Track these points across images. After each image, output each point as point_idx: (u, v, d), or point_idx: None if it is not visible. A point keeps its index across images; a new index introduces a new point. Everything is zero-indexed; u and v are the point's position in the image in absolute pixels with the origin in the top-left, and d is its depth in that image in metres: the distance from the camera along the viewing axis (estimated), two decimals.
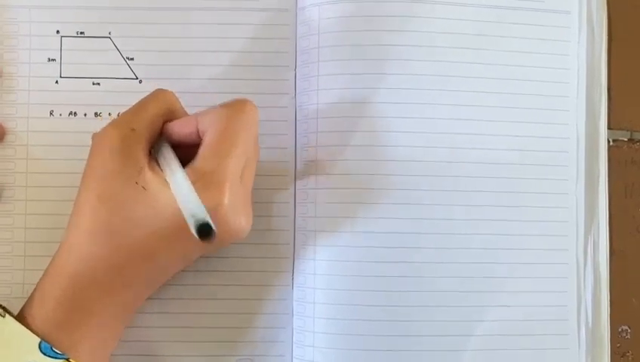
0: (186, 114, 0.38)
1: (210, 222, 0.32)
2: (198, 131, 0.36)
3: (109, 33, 0.42)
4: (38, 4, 0.42)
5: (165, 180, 0.34)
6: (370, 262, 0.40)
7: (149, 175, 0.34)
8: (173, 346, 0.41)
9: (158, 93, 0.37)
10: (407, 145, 0.41)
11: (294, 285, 0.41)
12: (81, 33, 0.42)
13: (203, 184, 0.34)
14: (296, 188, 0.42)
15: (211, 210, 0.33)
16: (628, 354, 0.43)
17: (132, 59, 0.42)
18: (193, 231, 0.32)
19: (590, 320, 0.42)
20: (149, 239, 0.34)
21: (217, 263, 0.41)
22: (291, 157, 0.42)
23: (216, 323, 0.41)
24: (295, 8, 0.42)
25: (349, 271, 0.40)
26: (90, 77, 0.42)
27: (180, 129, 0.36)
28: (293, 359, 0.41)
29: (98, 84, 0.42)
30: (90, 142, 0.35)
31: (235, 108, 0.36)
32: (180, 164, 0.35)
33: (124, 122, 0.35)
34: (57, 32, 0.42)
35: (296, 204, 0.42)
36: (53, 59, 0.42)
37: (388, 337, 0.40)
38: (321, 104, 0.41)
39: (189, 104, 0.41)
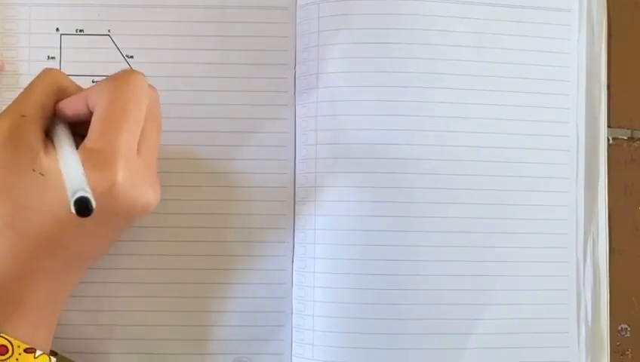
0: (78, 90, 0.37)
1: (90, 196, 0.29)
2: (88, 108, 0.35)
3: (109, 31, 0.42)
4: (37, 2, 0.42)
5: None
6: (369, 260, 0.40)
7: (45, 160, 0.33)
8: (168, 344, 0.41)
9: (44, 74, 0.36)
10: (406, 143, 0.41)
11: (293, 283, 0.41)
12: (81, 31, 0.42)
13: (94, 163, 0.33)
14: (296, 186, 0.42)
15: (106, 189, 0.33)
16: (627, 352, 0.43)
17: (132, 57, 0.42)
18: (72, 208, 0.29)
19: (590, 319, 0.42)
20: (53, 226, 0.34)
21: (215, 261, 0.41)
22: (290, 155, 0.42)
23: (213, 321, 0.41)
24: (295, 6, 0.42)
25: (348, 268, 0.40)
26: (89, 75, 0.42)
27: (71, 107, 0.35)
28: (293, 357, 0.41)
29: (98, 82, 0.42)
30: None
31: (119, 80, 0.35)
32: (72, 143, 0.34)
33: (12, 110, 0.34)
34: (57, 29, 0.42)
35: (296, 202, 0.42)
36: (52, 57, 0.42)
37: (388, 335, 0.40)
38: (320, 102, 0.41)
39: (188, 102, 0.42)
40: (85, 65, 0.42)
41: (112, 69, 0.41)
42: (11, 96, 0.41)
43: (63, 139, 0.34)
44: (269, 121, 0.42)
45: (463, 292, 0.41)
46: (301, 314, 0.41)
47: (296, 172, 0.42)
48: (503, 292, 0.41)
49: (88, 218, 0.32)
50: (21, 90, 0.41)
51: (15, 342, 0.33)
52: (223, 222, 0.41)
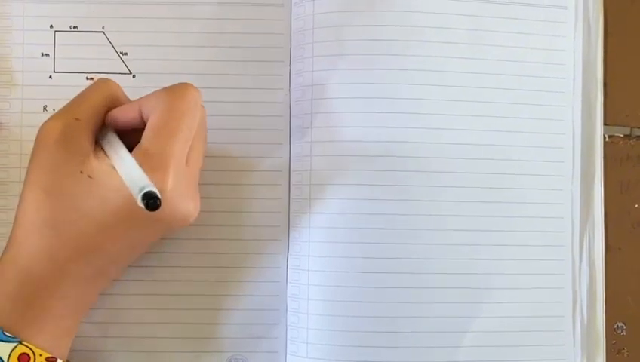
0: (129, 101, 0.38)
1: (157, 191, 0.31)
2: (141, 116, 0.36)
3: (103, 28, 0.42)
4: None
5: (112, 166, 0.34)
6: (364, 258, 0.40)
7: (94, 163, 0.34)
8: (164, 342, 0.41)
9: (99, 83, 0.37)
10: (401, 140, 0.41)
11: (288, 281, 0.41)
12: (75, 28, 0.42)
13: (147, 166, 0.33)
14: (291, 184, 0.42)
15: None
16: (623, 351, 0.43)
17: (126, 54, 0.42)
18: (139, 202, 0.31)
19: (585, 317, 0.42)
20: (94, 229, 0.34)
21: (209, 259, 0.41)
22: (286, 153, 0.42)
23: (208, 319, 0.41)
24: (290, 3, 0.42)
25: (342, 266, 0.40)
26: (83, 72, 0.42)
27: (123, 115, 0.36)
28: (287, 355, 0.41)
29: (92, 79, 0.42)
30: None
31: (177, 91, 0.35)
32: (124, 147, 0.35)
33: (67, 112, 0.35)
34: (51, 26, 0.42)
35: (291, 200, 0.42)
36: (46, 54, 0.42)
37: (383, 333, 0.40)
38: (315, 99, 0.41)
39: None
40: (79, 62, 0.42)
41: (106, 66, 0.42)
42: (4, 93, 0.42)
43: (116, 144, 0.35)
44: (264, 118, 0.42)
45: (458, 290, 0.41)
46: (295, 312, 0.41)
47: (291, 169, 0.42)
48: (499, 290, 0.41)
49: (130, 225, 0.34)
50: (14, 86, 0.42)
51: (37, 351, 0.33)
52: (217, 219, 0.41)
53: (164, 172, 0.34)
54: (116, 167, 0.34)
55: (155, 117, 0.35)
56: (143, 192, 0.31)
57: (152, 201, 0.31)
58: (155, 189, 0.31)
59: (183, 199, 0.35)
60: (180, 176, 0.35)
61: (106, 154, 0.35)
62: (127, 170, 0.33)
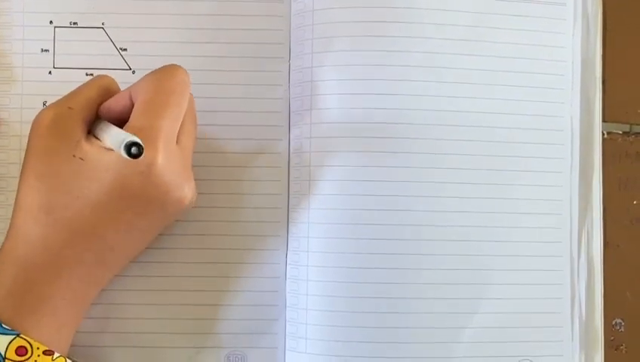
0: None
1: (138, 140, 0.31)
2: (132, 102, 0.36)
3: (103, 24, 0.42)
4: None
5: (103, 148, 0.34)
6: (363, 254, 0.40)
7: (86, 146, 0.34)
8: (162, 337, 0.41)
9: (95, 77, 0.38)
10: (401, 136, 0.41)
11: (287, 277, 0.41)
12: (75, 24, 0.42)
13: None
14: (290, 180, 0.42)
15: (145, 168, 0.33)
16: (622, 347, 0.43)
17: (125, 49, 0.42)
18: (123, 154, 0.31)
19: (584, 313, 0.42)
20: (89, 211, 0.34)
21: (208, 254, 0.41)
22: (285, 148, 0.42)
23: (207, 315, 0.41)
24: None
25: (341, 262, 0.40)
26: (83, 68, 0.42)
27: (115, 103, 0.36)
28: (287, 351, 0.41)
29: (91, 74, 0.42)
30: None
31: (165, 72, 0.36)
32: (116, 126, 0.35)
33: (61, 102, 0.36)
34: (50, 22, 0.42)
35: (290, 195, 0.42)
36: (46, 50, 0.42)
37: (381, 329, 0.40)
38: (314, 95, 0.41)
39: None
40: (79, 57, 0.42)
41: (106, 62, 0.42)
42: (4, 88, 0.42)
43: (107, 126, 0.35)
44: (263, 114, 0.42)
45: (457, 286, 0.41)
46: (294, 308, 0.41)
47: (290, 165, 0.42)
48: (498, 286, 0.41)
49: (124, 205, 0.34)
50: (14, 82, 0.42)
51: (35, 344, 0.33)
52: (215, 215, 0.41)
53: (153, 146, 0.34)
54: (102, 140, 0.34)
55: (142, 96, 0.35)
56: (125, 143, 0.30)
57: (134, 148, 0.30)
58: (136, 139, 0.30)
59: (176, 178, 0.35)
60: (171, 153, 0.35)
61: (98, 139, 0.35)
62: (110, 136, 0.33)
